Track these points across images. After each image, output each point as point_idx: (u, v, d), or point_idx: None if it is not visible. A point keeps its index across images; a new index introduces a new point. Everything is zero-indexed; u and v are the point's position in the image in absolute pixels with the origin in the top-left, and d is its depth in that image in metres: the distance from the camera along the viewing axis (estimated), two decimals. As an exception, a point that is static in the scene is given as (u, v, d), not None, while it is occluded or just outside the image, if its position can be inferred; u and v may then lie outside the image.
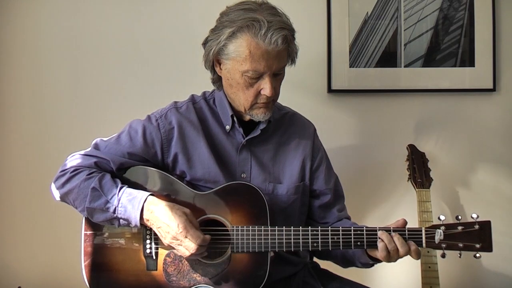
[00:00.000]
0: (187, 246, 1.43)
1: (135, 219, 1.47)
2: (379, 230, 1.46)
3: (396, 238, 1.44)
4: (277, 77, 1.52)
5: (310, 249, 1.47)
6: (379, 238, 1.45)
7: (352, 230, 1.46)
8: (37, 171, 2.16)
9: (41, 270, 2.18)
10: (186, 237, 1.43)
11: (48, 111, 2.18)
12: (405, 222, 1.49)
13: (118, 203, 1.47)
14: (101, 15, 2.18)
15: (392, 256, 1.45)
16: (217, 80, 1.60)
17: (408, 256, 2.04)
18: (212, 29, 1.53)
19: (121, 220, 1.49)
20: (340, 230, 1.46)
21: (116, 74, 2.19)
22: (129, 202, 1.47)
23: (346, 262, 1.66)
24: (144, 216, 1.47)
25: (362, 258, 1.57)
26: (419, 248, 1.46)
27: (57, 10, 2.17)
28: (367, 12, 2.20)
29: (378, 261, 1.53)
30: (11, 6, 2.16)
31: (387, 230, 1.46)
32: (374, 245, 1.46)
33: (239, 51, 1.46)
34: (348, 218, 1.72)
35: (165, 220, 1.44)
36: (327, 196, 1.69)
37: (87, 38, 2.18)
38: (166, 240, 1.46)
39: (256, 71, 1.47)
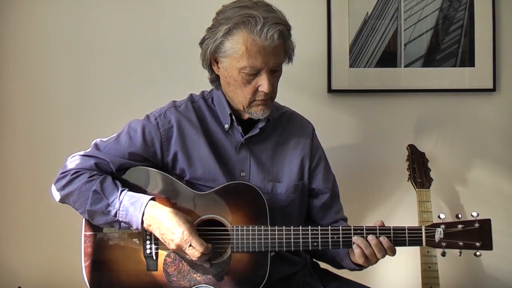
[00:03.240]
0: (191, 254, 1.44)
1: (136, 223, 1.47)
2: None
3: (372, 240, 1.45)
4: (274, 74, 1.52)
5: (310, 249, 1.47)
6: (355, 243, 1.45)
7: (352, 229, 1.46)
8: (37, 171, 2.16)
9: (41, 270, 2.18)
10: (190, 245, 1.43)
11: (48, 111, 2.18)
12: (382, 224, 1.49)
13: (120, 206, 1.47)
14: (100, 15, 2.18)
15: (370, 260, 1.46)
16: (215, 79, 1.60)
17: (408, 256, 2.05)
18: (209, 28, 1.54)
19: (122, 223, 1.49)
20: (340, 230, 1.46)
21: (115, 74, 2.19)
22: (130, 205, 1.47)
23: (337, 265, 1.67)
24: (146, 221, 1.47)
25: (347, 263, 1.57)
26: (420, 247, 1.46)
27: (57, 10, 2.17)
28: (367, 12, 2.20)
29: (362, 266, 1.54)
30: (13, 6, 2.16)
31: (373, 230, 1.46)
32: None
33: (236, 48, 1.46)
34: (345, 219, 1.72)
35: (169, 227, 1.44)
36: (326, 195, 1.69)
37: (86, 38, 2.18)
38: (169, 247, 1.46)
39: (253, 68, 1.47)
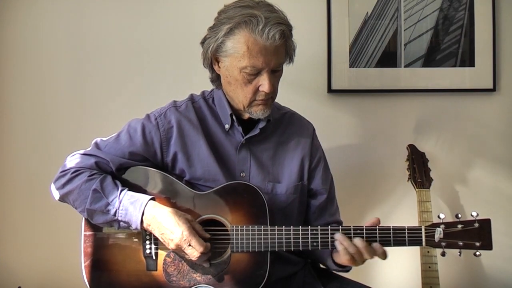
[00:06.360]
0: (190, 254, 1.44)
1: (135, 223, 1.47)
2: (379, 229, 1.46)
3: (357, 240, 1.43)
4: (275, 74, 1.52)
5: (310, 249, 1.47)
6: (338, 240, 1.44)
7: (352, 229, 1.45)
8: (37, 171, 2.16)
9: (41, 270, 2.18)
10: (189, 245, 1.43)
11: (48, 110, 2.18)
12: (378, 221, 1.47)
13: (119, 206, 1.47)
14: (100, 15, 2.18)
15: (357, 259, 1.44)
16: (216, 79, 1.60)
17: (408, 256, 2.05)
18: (210, 27, 1.54)
19: (121, 223, 1.49)
20: (340, 230, 1.46)
21: (115, 74, 2.19)
22: (130, 205, 1.47)
23: (325, 266, 1.67)
24: (145, 221, 1.47)
25: (330, 264, 1.57)
26: (419, 246, 1.45)
27: (57, 10, 2.17)
28: (367, 12, 2.20)
29: (345, 267, 1.54)
30: (12, 6, 2.16)
31: (372, 231, 1.44)
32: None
33: (237, 47, 1.46)
34: (339, 223, 1.71)
35: (168, 226, 1.44)
36: (323, 196, 1.69)
37: (87, 38, 2.18)
38: (169, 247, 1.46)
39: (254, 67, 1.47)
